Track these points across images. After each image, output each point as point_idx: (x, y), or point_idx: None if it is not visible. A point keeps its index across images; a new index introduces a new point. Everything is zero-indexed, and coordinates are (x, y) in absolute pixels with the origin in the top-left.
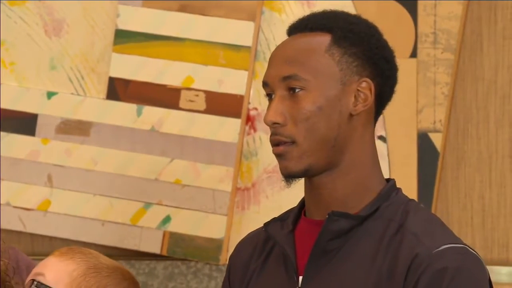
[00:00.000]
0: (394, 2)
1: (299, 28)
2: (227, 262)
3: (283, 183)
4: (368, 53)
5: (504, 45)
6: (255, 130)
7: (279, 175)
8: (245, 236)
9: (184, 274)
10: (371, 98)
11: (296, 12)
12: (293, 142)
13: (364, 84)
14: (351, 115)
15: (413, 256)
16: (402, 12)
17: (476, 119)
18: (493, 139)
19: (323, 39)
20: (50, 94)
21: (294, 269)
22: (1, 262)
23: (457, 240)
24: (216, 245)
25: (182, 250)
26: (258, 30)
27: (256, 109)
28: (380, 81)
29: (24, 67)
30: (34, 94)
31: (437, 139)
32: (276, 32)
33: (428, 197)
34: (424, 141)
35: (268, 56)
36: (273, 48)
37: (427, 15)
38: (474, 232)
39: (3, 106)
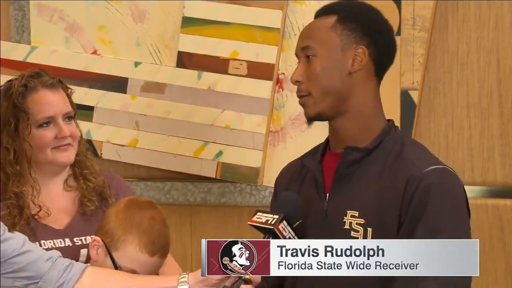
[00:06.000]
0: None
1: (318, 13)
2: (263, 184)
3: (306, 124)
4: (365, 28)
5: (463, 27)
6: (282, 89)
7: (300, 122)
8: (285, 166)
9: (232, 192)
10: (365, 60)
11: (313, 3)
12: (309, 94)
13: (360, 50)
14: (350, 73)
15: (409, 175)
16: (389, 3)
17: (443, 80)
18: (455, 95)
19: (330, 19)
20: (136, 64)
21: (322, 189)
22: (100, 179)
23: (440, 163)
24: (255, 171)
25: (231, 175)
26: (285, 17)
27: (283, 74)
28: (375, 49)
29: (118, 44)
30: (125, 64)
31: (414, 95)
32: (298, 18)
33: None
34: (405, 97)
35: (292, 35)
36: (296, 30)
37: (408, 5)
38: None
39: (103, 72)
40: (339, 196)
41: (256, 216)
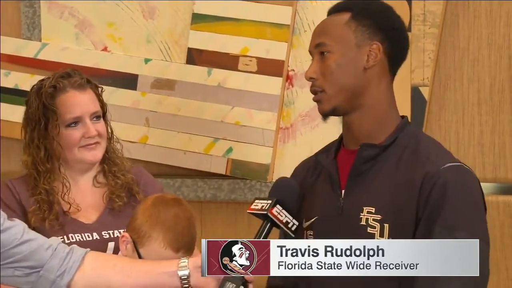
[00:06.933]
0: None
1: (331, 11)
2: (273, 181)
3: (321, 119)
4: (379, 24)
5: (474, 23)
6: (292, 86)
7: (310, 118)
8: (299, 163)
9: (242, 189)
10: (379, 55)
11: (323, 0)
12: (323, 90)
13: (374, 46)
14: (365, 69)
15: (425, 172)
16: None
17: (453, 76)
18: (466, 91)
19: (344, 16)
20: (146, 60)
21: (338, 185)
22: (129, 177)
23: (456, 160)
24: (265, 168)
25: (241, 172)
26: (295, 13)
27: (293, 70)
28: (389, 44)
29: (128, 41)
30: (135, 60)
31: (425, 92)
32: (308, 14)
33: None
34: (415, 93)
35: (302, 32)
36: (306, 26)
37: (418, 1)
38: None
39: (113, 69)
40: (355, 193)
41: (253, 204)
